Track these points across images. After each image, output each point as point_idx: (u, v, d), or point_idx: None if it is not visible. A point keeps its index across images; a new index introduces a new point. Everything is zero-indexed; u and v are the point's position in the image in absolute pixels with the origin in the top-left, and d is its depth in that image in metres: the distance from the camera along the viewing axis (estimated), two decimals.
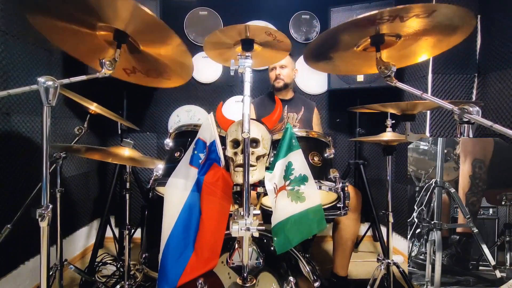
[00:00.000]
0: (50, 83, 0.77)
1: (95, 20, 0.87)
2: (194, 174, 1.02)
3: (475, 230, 1.40)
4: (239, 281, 0.92)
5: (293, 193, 1.01)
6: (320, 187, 1.06)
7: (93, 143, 2.33)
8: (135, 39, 0.96)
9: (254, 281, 0.92)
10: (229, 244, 1.04)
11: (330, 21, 2.17)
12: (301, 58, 2.23)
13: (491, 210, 1.43)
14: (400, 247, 2.25)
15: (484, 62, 1.81)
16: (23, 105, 1.58)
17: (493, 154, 1.39)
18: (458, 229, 1.44)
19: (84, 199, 2.22)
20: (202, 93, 2.54)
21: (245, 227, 0.86)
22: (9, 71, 1.49)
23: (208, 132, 1.05)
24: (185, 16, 2.47)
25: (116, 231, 2.18)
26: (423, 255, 1.51)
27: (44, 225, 0.79)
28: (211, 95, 2.55)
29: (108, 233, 2.13)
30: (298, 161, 1.02)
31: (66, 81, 0.84)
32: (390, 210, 1.36)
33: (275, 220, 0.98)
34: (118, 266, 1.84)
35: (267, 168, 1.06)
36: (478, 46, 1.83)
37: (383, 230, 1.71)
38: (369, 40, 0.91)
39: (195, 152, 1.04)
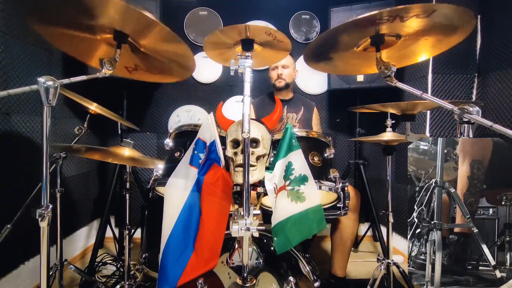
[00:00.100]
0: (50, 83, 0.77)
1: (91, 21, 0.88)
2: (194, 174, 1.02)
3: (475, 230, 1.40)
4: (239, 281, 0.92)
5: (293, 193, 1.01)
6: (320, 187, 1.06)
7: (93, 143, 2.33)
8: (135, 39, 0.96)
9: (254, 281, 0.92)
10: (229, 244, 1.04)
11: (330, 21, 2.17)
12: (301, 58, 2.24)
13: (491, 210, 1.43)
14: (400, 247, 2.25)
15: (484, 62, 1.81)
16: (23, 105, 1.58)
17: (492, 154, 1.39)
18: (456, 229, 1.44)
19: (84, 199, 2.22)
20: (202, 93, 2.54)
21: (245, 227, 0.86)
22: (9, 71, 1.49)
23: (208, 132, 1.05)
24: (185, 16, 2.47)
25: (116, 231, 2.19)
26: (423, 255, 1.51)
27: (44, 225, 0.79)
28: (211, 95, 2.55)
29: (108, 233, 2.13)
30: (298, 161, 1.02)
31: (66, 81, 0.84)
32: (390, 210, 1.36)
33: (275, 220, 0.98)
34: (118, 266, 1.84)
35: (267, 168, 1.06)
36: (478, 46, 1.84)
37: (383, 230, 1.71)
38: (369, 40, 0.91)
39: (195, 152, 1.04)
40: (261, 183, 1.04)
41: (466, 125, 0.71)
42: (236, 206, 1.09)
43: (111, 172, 2.15)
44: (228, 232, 0.94)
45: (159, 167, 1.20)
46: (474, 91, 1.88)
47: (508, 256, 1.41)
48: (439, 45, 0.94)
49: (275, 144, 1.09)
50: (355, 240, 2.32)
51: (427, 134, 1.94)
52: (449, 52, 0.94)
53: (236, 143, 1.04)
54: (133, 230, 2.11)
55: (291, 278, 0.90)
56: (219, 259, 0.99)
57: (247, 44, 0.98)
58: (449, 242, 1.44)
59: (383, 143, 1.34)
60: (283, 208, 1.00)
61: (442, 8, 0.76)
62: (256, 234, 0.88)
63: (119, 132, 2.10)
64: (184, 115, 2.50)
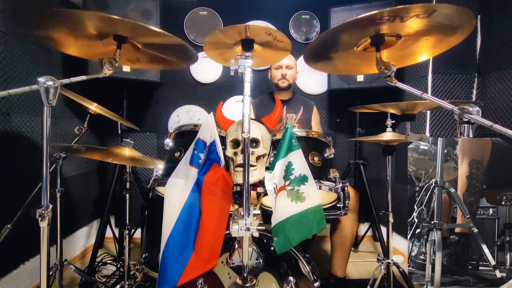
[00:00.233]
0: (50, 83, 0.77)
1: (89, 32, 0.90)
2: (194, 174, 1.02)
3: (475, 230, 1.40)
4: (239, 281, 0.92)
5: (293, 193, 1.01)
6: (320, 187, 1.06)
7: (93, 143, 2.33)
8: (134, 40, 0.97)
9: (254, 281, 0.92)
10: (229, 244, 1.04)
11: (330, 21, 2.17)
12: (301, 58, 2.24)
13: (491, 210, 1.43)
14: (400, 247, 2.25)
15: (484, 62, 1.81)
16: (23, 105, 1.58)
17: (492, 154, 1.38)
18: (457, 229, 1.43)
19: (84, 199, 2.22)
20: (202, 93, 2.54)
21: (245, 227, 0.86)
22: (9, 71, 1.49)
23: (208, 132, 1.05)
24: (185, 16, 2.47)
25: (116, 231, 2.19)
26: (423, 255, 1.51)
27: (44, 225, 0.79)
28: (211, 95, 2.55)
29: (108, 233, 2.13)
30: (298, 161, 1.03)
31: (66, 81, 0.84)
32: (390, 210, 1.36)
33: (275, 220, 0.98)
34: (118, 266, 1.85)
35: (267, 168, 1.06)
36: (478, 46, 1.83)
37: (383, 230, 1.71)
38: (369, 40, 0.91)
39: (195, 152, 1.04)
40: (261, 183, 1.04)
41: (466, 125, 0.71)
42: (236, 206, 1.09)
43: (111, 172, 2.15)
44: (228, 232, 0.94)
45: (159, 167, 1.20)
46: (474, 91, 1.88)
47: (508, 256, 1.41)
48: (439, 45, 0.94)
49: (275, 144, 1.09)
50: (355, 240, 2.32)
51: (427, 134, 1.94)
52: (449, 52, 0.94)
53: (236, 143, 1.04)
54: (133, 230, 2.12)
55: (291, 278, 0.90)
56: (219, 259, 0.99)
57: (247, 44, 0.98)
58: (449, 242, 1.44)
59: (383, 143, 1.34)
60: (283, 208, 1.00)
61: (442, 8, 0.76)
62: (256, 234, 0.88)
63: (119, 132, 2.10)
64: (184, 115, 2.50)
